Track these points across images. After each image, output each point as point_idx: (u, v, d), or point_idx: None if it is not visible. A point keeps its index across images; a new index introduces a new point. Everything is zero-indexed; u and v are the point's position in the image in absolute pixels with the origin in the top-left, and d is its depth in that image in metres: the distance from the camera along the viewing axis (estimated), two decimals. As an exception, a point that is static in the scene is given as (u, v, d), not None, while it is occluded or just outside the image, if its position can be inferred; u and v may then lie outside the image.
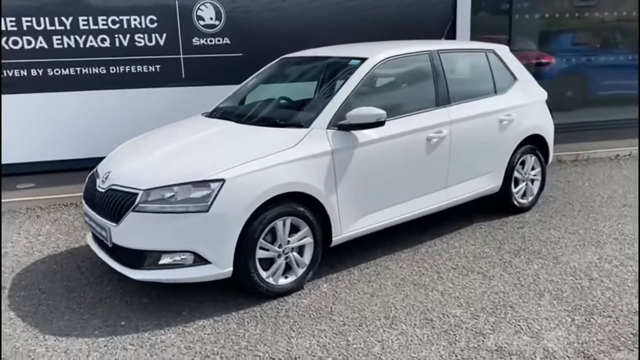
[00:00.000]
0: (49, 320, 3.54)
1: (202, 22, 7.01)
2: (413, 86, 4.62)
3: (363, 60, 4.24)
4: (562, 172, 6.84)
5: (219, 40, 7.12)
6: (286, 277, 3.78)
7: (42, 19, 6.60)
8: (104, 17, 6.74)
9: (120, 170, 3.78)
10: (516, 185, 5.22)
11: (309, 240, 3.80)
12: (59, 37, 6.69)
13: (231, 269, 3.49)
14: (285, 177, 3.59)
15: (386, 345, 3.14)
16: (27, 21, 6.57)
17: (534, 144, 5.26)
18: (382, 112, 3.85)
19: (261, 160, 3.57)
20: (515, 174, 5.15)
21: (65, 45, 6.72)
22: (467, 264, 4.19)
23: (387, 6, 7.49)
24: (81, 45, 6.77)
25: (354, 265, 4.21)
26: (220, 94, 5.34)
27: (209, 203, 3.37)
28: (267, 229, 3.58)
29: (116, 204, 3.54)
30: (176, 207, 3.38)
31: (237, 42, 7.14)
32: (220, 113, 4.59)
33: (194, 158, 3.72)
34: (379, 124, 3.87)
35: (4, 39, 6.56)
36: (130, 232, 3.47)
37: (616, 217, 5.12)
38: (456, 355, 3.03)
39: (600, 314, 3.41)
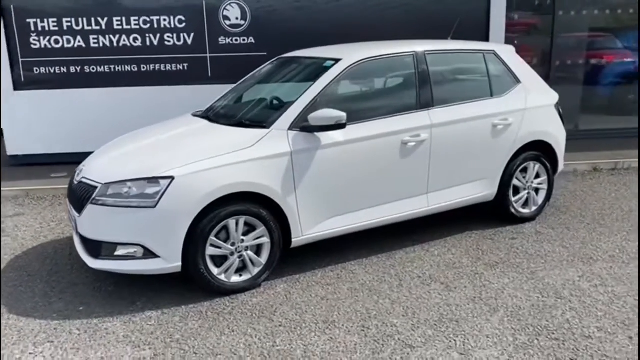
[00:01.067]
0: (20, 301, 3.82)
1: (227, 22, 7.20)
2: (391, 88, 4.52)
3: (337, 61, 4.20)
4: (592, 181, 6.39)
5: (244, 40, 7.28)
6: (240, 275, 3.84)
7: (80, 19, 7.06)
8: (136, 18, 7.10)
9: (92, 165, 4.00)
10: (516, 193, 4.95)
11: (265, 240, 3.83)
12: (96, 36, 7.12)
13: (179, 263, 3.60)
14: (237, 177, 3.65)
15: (309, 350, 3.12)
16: (67, 22, 7.05)
17: (539, 150, 4.96)
18: (342, 114, 3.80)
19: (213, 160, 3.65)
20: (515, 181, 4.88)
21: (101, 45, 7.15)
22: (434, 273, 4.06)
23: (413, 5, 7.32)
24: (115, 44, 7.17)
25: (321, 267, 4.20)
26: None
27: (157, 199, 3.49)
28: (218, 227, 3.65)
29: (81, 196, 3.76)
30: (129, 201, 3.53)
31: (261, 41, 7.27)
32: (204, 112, 4.71)
33: (155, 155, 3.86)
34: (338, 126, 3.83)
35: (47, 38, 7.08)
36: (89, 223, 3.67)
37: (625, 233, 4.74)
38: (372, 366, 2.97)
39: (547, 336, 3.19)
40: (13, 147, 7.29)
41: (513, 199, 4.92)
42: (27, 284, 4.10)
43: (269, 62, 5.21)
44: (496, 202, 4.91)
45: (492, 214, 5.05)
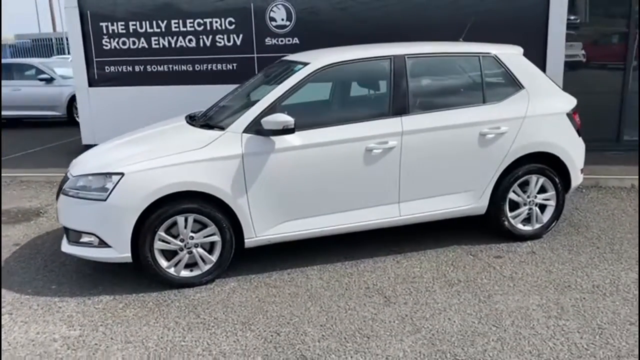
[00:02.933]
0: (12, 273, 4.35)
1: (274, 23, 7.41)
2: (361, 94, 4.40)
3: (305, 65, 4.20)
4: (628, 201, 5.65)
5: (289, 40, 7.44)
6: (191, 271, 4.02)
7: (143, 22, 7.69)
8: (191, 20, 7.57)
9: (79, 159, 4.41)
10: (514, 209, 4.57)
11: (216, 238, 3.98)
12: (156, 38, 7.72)
13: (129, 254, 3.87)
14: (183, 177, 3.83)
15: (209, 349, 3.22)
16: (132, 25, 7.73)
17: (545, 163, 4.53)
18: (289, 119, 3.82)
19: (164, 159, 3.87)
20: (511, 195, 4.52)
21: (161, 45, 7.74)
22: (385, 286, 3.92)
23: (459, 3, 6.96)
24: (173, 45, 7.72)
25: (282, 269, 4.25)
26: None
27: (108, 193, 3.79)
28: (167, 223, 3.86)
29: (61, 186, 4.19)
30: (88, 194, 3.87)
31: (305, 41, 7.38)
32: (196, 113, 4.94)
33: (121, 152, 4.17)
34: (287, 131, 3.85)
35: (116, 40, 7.82)
36: (60, 211, 4.08)
37: (633, 262, 4.19)
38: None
39: (449, 365, 2.98)
40: (87, 137, 8.15)
41: (509, 215, 4.55)
42: (27, 262, 4.62)
43: (275, 62, 5.31)
44: (489, 217, 4.57)
45: (490, 229, 4.70)
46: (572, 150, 4.58)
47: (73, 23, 7.81)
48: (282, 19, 7.40)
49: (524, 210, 4.58)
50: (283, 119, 3.82)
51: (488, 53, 4.50)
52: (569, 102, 4.64)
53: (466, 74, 4.51)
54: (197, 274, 4.02)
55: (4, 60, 15.91)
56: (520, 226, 4.61)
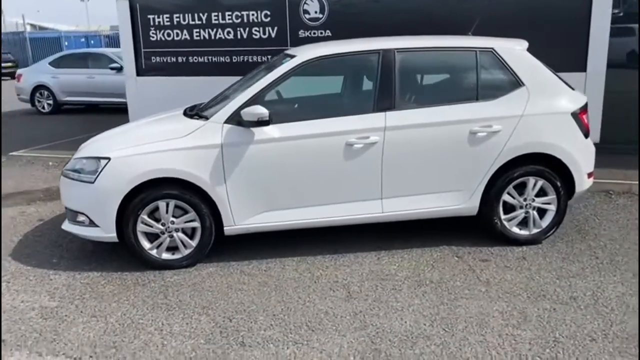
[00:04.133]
0: (26, 246, 4.74)
1: (307, 16, 7.46)
2: (346, 88, 4.36)
3: (292, 58, 4.24)
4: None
5: (321, 33, 7.47)
6: (173, 254, 4.20)
7: (186, 15, 8.01)
8: (230, 13, 7.79)
9: (85, 143, 4.72)
10: (509, 211, 4.38)
11: (196, 224, 4.14)
12: (198, 30, 8.01)
13: (114, 235, 4.11)
14: (164, 163, 4.00)
15: (158, 329, 3.37)
16: (176, 17, 8.07)
17: (544, 165, 4.30)
18: (264, 112, 3.89)
19: (148, 146, 4.07)
20: (506, 197, 4.33)
21: (202, 37, 8.03)
22: (355, 281, 3.91)
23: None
24: (213, 37, 7.98)
25: (263, 258, 4.34)
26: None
27: (96, 176, 4.05)
28: (149, 207, 4.06)
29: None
30: (81, 176, 4.15)
31: (338, 34, 7.37)
32: (198, 104, 5.10)
33: (118, 138, 4.42)
34: (261, 123, 3.93)
35: (161, 32, 8.21)
36: (61, 191, 4.40)
37: (629, 275, 3.90)
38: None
39: (377, 364, 2.95)
40: (135, 124, 8.59)
41: (503, 217, 4.36)
42: (42, 236, 5.00)
43: (278, 55, 5.37)
44: (481, 219, 4.41)
45: (485, 231, 4.54)
46: (576, 152, 4.30)
47: (123, 15, 8.26)
48: (316, 11, 7.43)
49: (519, 214, 4.37)
50: (258, 111, 3.89)
51: (486, 48, 4.31)
52: (576, 101, 4.36)
53: (460, 70, 4.36)
54: (177, 257, 4.19)
55: (82, 50, 17.08)
56: (515, 230, 4.41)
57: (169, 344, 3.20)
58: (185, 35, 8.10)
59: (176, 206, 4.10)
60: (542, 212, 4.42)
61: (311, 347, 3.12)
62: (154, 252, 4.16)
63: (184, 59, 8.20)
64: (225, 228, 4.17)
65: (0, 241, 4.66)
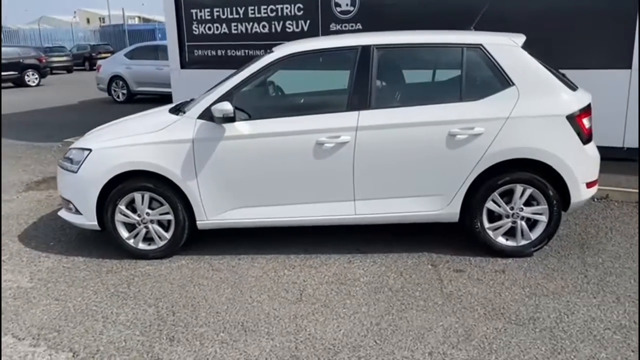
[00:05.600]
0: (35, 228, 5.09)
1: (339, 9, 7.37)
2: (323, 85, 4.24)
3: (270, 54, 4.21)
4: None
5: (352, 26, 7.34)
6: (149, 244, 4.33)
7: (225, 9, 8.17)
8: (265, 6, 7.86)
9: (85, 135, 4.96)
10: (495, 220, 4.10)
11: (170, 217, 4.24)
12: (235, 24, 8.16)
13: (95, 223, 4.30)
14: (137, 156, 4.12)
15: (105, 316, 3.50)
16: (216, 11, 8.26)
17: (535, 172, 3.98)
18: (229, 108, 3.89)
19: (126, 139, 4.21)
20: (490, 205, 4.05)
21: (239, 31, 8.17)
22: (312, 283, 3.84)
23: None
24: (249, 31, 8.09)
25: (237, 254, 4.36)
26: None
27: (79, 166, 4.25)
28: (126, 198, 4.21)
29: None
30: (69, 166, 4.38)
31: (368, 27, 7.21)
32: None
33: (105, 130, 4.60)
34: (226, 119, 3.93)
35: (202, 26, 8.44)
36: (57, 179, 4.67)
37: (612, 298, 3.52)
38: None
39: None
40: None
41: (487, 226, 4.09)
42: (57, 219, 5.32)
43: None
44: (463, 226, 4.16)
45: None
46: (570, 159, 3.93)
47: (168, 9, 8.56)
48: (347, 4, 7.30)
49: (505, 223, 4.07)
50: (224, 107, 3.89)
51: (474, 44, 4.03)
52: (574, 103, 3.97)
53: (445, 68, 4.11)
54: (153, 247, 4.31)
55: (153, 42, 17.89)
56: (501, 240, 4.11)
57: (106, 333, 3.31)
58: (224, 29, 8.26)
59: (153, 199, 4.20)
60: (533, 223, 4.08)
61: (235, 348, 3.10)
62: (131, 242, 4.30)
63: (224, 52, 8.37)
64: (197, 222, 4.22)
65: (0, 242, 4.93)
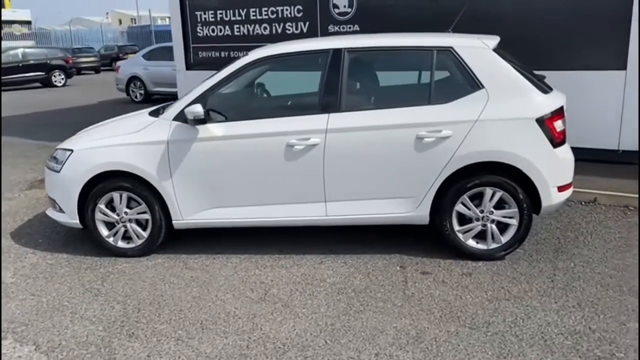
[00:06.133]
0: (30, 226, 5.27)
1: (337, 10, 7.42)
2: (293, 88, 4.29)
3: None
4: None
5: (349, 27, 7.38)
6: (128, 243, 4.46)
7: (228, 11, 8.31)
8: (266, 8, 7.96)
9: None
10: (465, 222, 4.10)
11: (147, 217, 4.35)
12: (238, 26, 8.29)
13: (77, 221, 4.45)
14: (115, 157, 4.25)
15: (74, 312, 3.63)
16: (220, 13, 8.40)
17: (506, 175, 3.97)
18: (199, 110, 3.98)
19: (105, 140, 4.35)
20: (460, 207, 4.05)
21: (241, 33, 8.29)
22: (280, 284, 3.90)
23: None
24: (251, 33, 8.21)
25: (214, 253, 4.44)
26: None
27: (61, 166, 4.40)
28: (106, 197, 4.35)
29: None
30: (53, 165, 4.54)
31: (366, 28, 7.24)
32: None
33: (90, 131, 4.74)
34: (198, 121, 4.03)
35: (206, 28, 8.58)
36: (45, 179, 4.84)
37: (572, 304, 3.49)
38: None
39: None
40: (184, 115, 9.06)
41: (457, 229, 4.09)
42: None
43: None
44: (434, 229, 4.17)
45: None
46: (540, 162, 3.90)
47: (174, 12, 8.73)
48: (345, 5, 7.33)
49: (475, 226, 4.07)
50: (195, 109, 3.98)
51: (445, 47, 4.03)
52: (545, 105, 3.93)
53: (414, 71, 4.13)
54: (131, 246, 4.43)
55: (170, 43, 18.09)
56: (471, 243, 4.10)
57: (71, 327, 3.43)
58: (227, 30, 8.39)
59: (132, 198, 4.32)
60: (504, 226, 4.06)
61: (188, 345, 3.19)
62: (111, 240, 4.43)
63: (227, 53, 8.49)
64: (173, 222, 4.33)
65: (0, 244, 4.82)
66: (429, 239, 4.43)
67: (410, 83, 4.24)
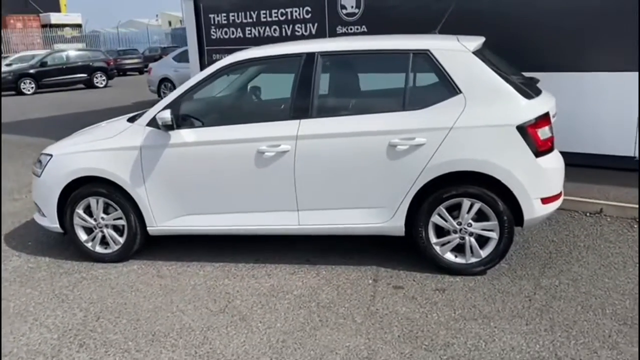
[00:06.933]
0: (27, 227, 5.36)
1: (344, 11, 7.26)
2: (265, 93, 4.17)
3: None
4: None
5: (357, 29, 7.21)
6: (105, 248, 4.45)
7: (240, 13, 8.27)
8: (276, 10, 7.88)
9: (65, 139, 5.15)
10: (443, 234, 3.89)
11: (123, 223, 4.33)
12: (249, 28, 8.25)
13: (57, 225, 4.48)
14: (91, 163, 4.25)
15: (37, 318, 3.63)
16: (232, 16, 8.38)
17: (485, 186, 3.74)
18: (167, 116, 3.92)
19: (81, 145, 4.36)
20: (436, 219, 3.84)
21: (253, 35, 8.24)
22: (244, 295, 3.80)
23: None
24: (262, 35, 8.14)
25: (188, 261, 4.38)
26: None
27: (42, 171, 4.44)
28: (84, 202, 4.35)
29: None
30: (36, 170, 4.58)
31: (373, 29, 7.06)
32: None
33: (73, 136, 4.76)
34: (167, 127, 3.97)
35: (220, 30, 8.58)
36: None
37: (544, 326, 3.24)
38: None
39: None
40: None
41: (434, 241, 3.88)
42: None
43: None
44: (410, 241, 3.98)
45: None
46: (520, 172, 3.64)
47: (189, 15, 8.77)
48: (352, 6, 7.16)
49: (453, 239, 3.85)
50: (163, 115, 3.93)
51: (421, 50, 3.82)
52: (528, 112, 3.67)
53: (390, 75, 3.93)
54: (108, 251, 4.42)
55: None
56: (449, 256, 3.89)
57: (28, 335, 3.43)
58: (239, 33, 8.35)
59: (109, 204, 4.31)
60: (485, 240, 3.83)
61: (133, 357, 3.12)
62: (89, 245, 4.44)
63: (239, 56, 8.43)
64: (148, 228, 4.29)
65: (0, 244, 4.93)
66: (409, 250, 4.22)
67: (385, 88, 4.05)
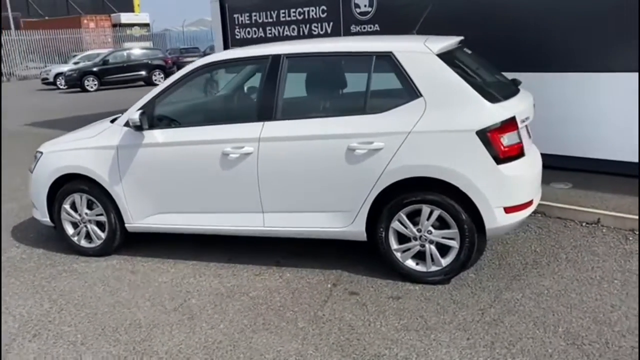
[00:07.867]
0: (32, 221, 5.67)
1: (358, 10, 7.21)
2: (233, 95, 4.20)
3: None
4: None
5: (370, 27, 7.15)
6: (90, 242, 4.65)
7: (261, 13, 8.38)
8: (294, 10, 7.93)
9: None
10: (404, 241, 3.81)
11: (104, 219, 4.51)
12: (270, 27, 8.34)
13: (48, 219, 4.71)
14: (74, 161, 4.44)
15: (7, 310, 3.85)
16: (254, 15, 8.50)
17: (444, 192, 3.62)
18: (135, 117, 4.04)
19: (68, 144, 4.57)
20: (396, 225, 3.76)
21: (273, 35, 8.33)
22: (203, 294, 3.85)
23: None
24: (281, 34, 8.22)
25: (164, 258, 4.47)
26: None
27: (34, 167, 4.69)
28: (69, 198, 4.56)
29: None
30: (30, 167, 4.84)
31: (386, 28, 6.98)
32: None
33: (66, 135, 4.98)
34: (136, 127, 4.09)
35: (243, 30, 8.72)
36: (30, 179, 5.16)
37: (483, 342, 3.10)
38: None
39: None
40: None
41: (394, 247, 3.80)
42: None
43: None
44: (372, 247, 3.91)
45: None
46: (480, 180, 3.49)
47: (215, 15, 8.96)
48: (365, 5, 7.09)
49: (413, 246, 3.74)
50: (133, 116, 4.05)
51: (384, 52, 3.73)
52: (490, 117, 3.50)
53: (352, 77, 3.86)
54: (92, 246, 4.61)
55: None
56: (410, 264, 3.79)
57: (-7, 324, 3.62)
58: (260, 32, 8.46)
59: (91, 201, 4.49)
60: (447, 249, 3.70)
61: (75, 350, 3.25)
62: (75, 239, 4.64)
63: (261, 55, 8.53)
64: (125, 225, 4.43)
65: (0, 248, 5.21)
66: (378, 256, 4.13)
67: (348, 91, 3.98)
